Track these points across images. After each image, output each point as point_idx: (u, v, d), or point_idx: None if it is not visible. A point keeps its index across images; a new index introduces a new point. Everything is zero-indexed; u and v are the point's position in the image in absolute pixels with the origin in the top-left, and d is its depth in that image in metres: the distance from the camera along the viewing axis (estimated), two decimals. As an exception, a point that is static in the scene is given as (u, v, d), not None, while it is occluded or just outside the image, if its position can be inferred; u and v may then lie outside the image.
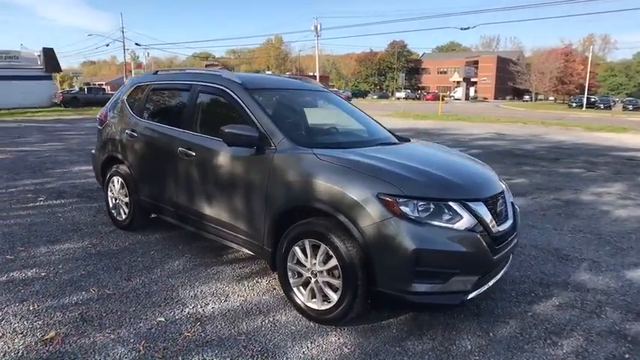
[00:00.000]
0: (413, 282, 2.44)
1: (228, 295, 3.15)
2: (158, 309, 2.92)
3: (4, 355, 2.38)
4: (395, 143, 3.69)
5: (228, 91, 3.42)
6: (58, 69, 35.87)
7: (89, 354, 2.41)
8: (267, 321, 2.81)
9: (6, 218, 4.74)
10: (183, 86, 3.90)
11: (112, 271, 3.47)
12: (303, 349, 2.51)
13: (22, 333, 2.59)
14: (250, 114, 3.21)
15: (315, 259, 2.74)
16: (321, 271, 2.72)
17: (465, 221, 2.52)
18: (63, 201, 5.49)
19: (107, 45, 61.92)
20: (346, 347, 2.54)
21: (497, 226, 2.72)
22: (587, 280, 3.51)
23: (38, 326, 2.67)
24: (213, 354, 2.44)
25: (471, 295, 2.57)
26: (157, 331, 2.66)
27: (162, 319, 2.79)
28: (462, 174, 2.97)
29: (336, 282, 2.65)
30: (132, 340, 2.55)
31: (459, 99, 64.32)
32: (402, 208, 2.46)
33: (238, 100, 3.33)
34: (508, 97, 72.85)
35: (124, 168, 4.29)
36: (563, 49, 62.12)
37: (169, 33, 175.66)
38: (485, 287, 2.68)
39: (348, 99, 47.50)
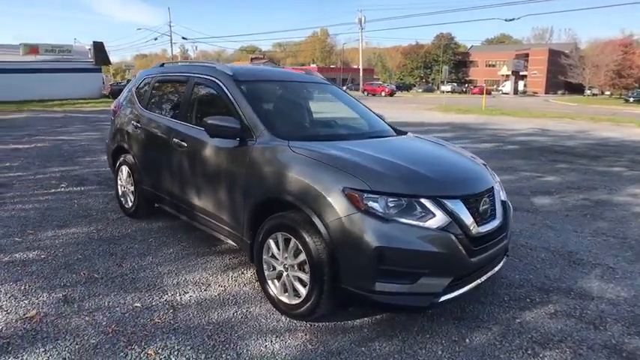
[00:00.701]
0: (376, 281, 2.32)
1: (209, 284, 3.16)
2: (138, 295, 2.98)
3: (-16, 330, 2.51)
4: (386, 137, 3.55)
5: (219, 82, 3.42)
6: (107, 62, 37.78)
7: (61, 334, 2.50)
8: (239, 312, 2.79)
9: (26, 203, 5.04)
10: (182, 78, 3.94)
11: (106, 257, 3.59)
12: (266, 343, 2.47)
13: (6, 310, 2.73)
14: (236, 105, 3.19)
15: (287, 252, 2.69)
16: (292, 265, 2.67)
17: (438, 220, 2.37)
18: (83, 188, 5.76)
19: (155, 39, 65.34)
20: (310, 344, 2.47)
21: (479, 226, 2.54)
22: (595, 288, 3.22)
23: (23, 305, 2.80)
24: (176, 341, 2.46)
25: (443, 298, 2.41)
26: (130, 316, 2.72)
27: (139, 305, 2.85)
28: (441, 170, 2.81)
29: (305, 277, 2.59)
30: (104, 324, 2.62)
31: (507, 93, 61.56)
32: (367, 203, 2.35)
33: (226, 91, 3.31)
34: (560, 92, 68.79)
35: (129, 157, 4.42)
36: (621, 41, 57.52)
37: (217, 27, 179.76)
38: (462, 290, 2.51)
39: (392, 92, 46.25)
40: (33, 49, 30.88)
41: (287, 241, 2.68)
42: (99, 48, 35.59)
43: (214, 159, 3.25)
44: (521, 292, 3.13)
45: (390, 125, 3.94)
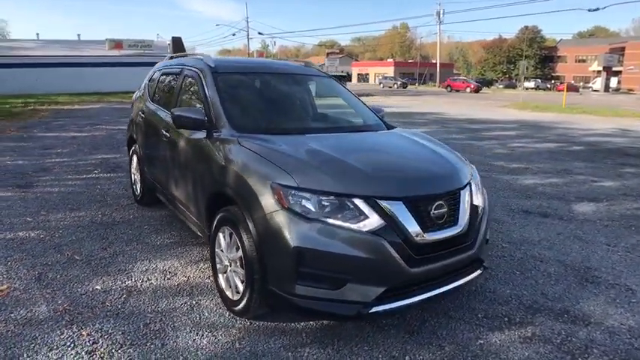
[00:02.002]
0: (296, 283, 2.15)
1: (175, 273, 3.18)
2: (104, 278, 3.08)
3: (-44, 299, 2.74)
4: (362, 131, 3.33)
5: (199, 74, 3.41)
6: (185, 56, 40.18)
7: (18, 307, 2.65)
8: (188, 303, 2.77)
9: (55, 186, 5.48)
10: (177, 70, 4.01)
11: (97, 240, 3.76)
12: (196, 337, 2.41)
13: (-16, 283, 2.97)
14: (207, 97, 3.16)
15: (230, 247, 2.61)
16: (235, 260, 2.58)
17: (371, 222, 2.14)
18: (112, 175, 6.15)
19: (233, 34, 67.72)
20: (239, 343, 2.37)
21: (428, 232, 2.26)
22: (598, 312, 2.74)
23: (0, 279, 3.02)
24: (111, 326, 2.49)
25: (375, 309, 2.17)
26: (86, 297, 2.81)
27: (99, 288, 2.94)
28: (390, 168, 2.56)
29: (242, 273, 2.48)
30: (59, 302, 2.73)
31: (597, 90, 55.68)
32: (291, 200, 2.18)
33: (203, 83, 3.30)
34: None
35: (137, 147, 4.61)
36: None
37: (298, 22, 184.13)
38: (402, 303, 2.25)
39: (478, 89, 43.61)
40: (117, 44, 33.67)
41: (231, 236, 2.60)
42: (177, 43, 37.79)
43: (186, 150, 3.27)
44: (502, 310, 2.75)
45: (381, 120, 3.69)
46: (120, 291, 2.90)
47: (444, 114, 17.96)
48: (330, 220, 2.14)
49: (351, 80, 76.22)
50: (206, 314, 2.65)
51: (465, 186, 2.58)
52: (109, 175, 6.15)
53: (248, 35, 52.74)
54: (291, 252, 2.12)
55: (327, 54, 78.92)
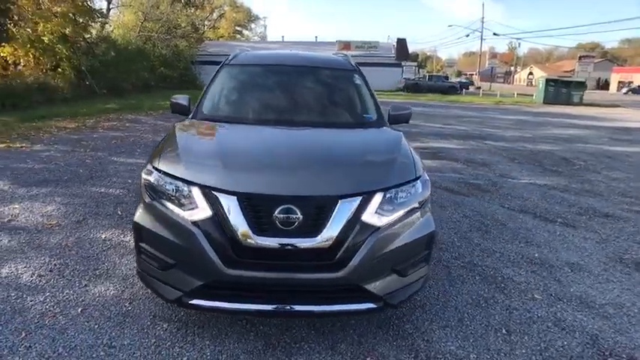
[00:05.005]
0: (138, 257, 2.39)
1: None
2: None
3: None
4: (342, 127, 3.23)
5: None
6: (407, 57, 40.94)
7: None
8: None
9: (97, 163, 6.34)
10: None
11: (95, 216, 4.14)
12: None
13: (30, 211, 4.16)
14: (205, 87, 3.56)
15: None
16: None
17: (198, 212, 2.16)
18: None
19: (467, 35, 64.42)
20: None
21: (260, 235, 2.10)
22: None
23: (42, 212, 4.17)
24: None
25: (194, 302, 2.21)
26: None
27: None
28: (263, 163, 2.44)
29: None
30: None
31: None
32: (145, 177, 2.41)
33: (214, 74, 3.68)
34: None
35: None
36: None
37: (550, 20, 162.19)
38: (223, 305, 2.22)
39: None
40: (345, 45, 36.87)
41: None
42: (401, 44, 39.04)
43: None
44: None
45: (380, 117, 3.37)
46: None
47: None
48: (168, 204, 2.24)
49: (607, 88, 62.92)
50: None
51: (350, 196, 2.19)
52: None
53: (482, 37, 49.59)
54: (133, 226, 2.37)
55: (580, 57, 67.30)
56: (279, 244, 2.12)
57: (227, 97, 3.53)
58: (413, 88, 34.08)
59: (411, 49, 45.17)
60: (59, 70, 15.49)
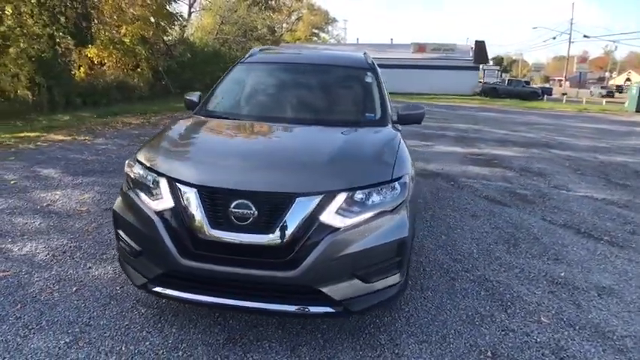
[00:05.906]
0: (118, 241, 2.51)
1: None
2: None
3: None
4: (338, 126, 3.05)
5: None
6: (485, 60, 38.82)
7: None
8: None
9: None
10: None
11: (95, 202, 4.59)
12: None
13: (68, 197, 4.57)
14: (215, 84, 3.70)
15: None
16: None
17: (162, 202, 2.24)
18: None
19: (554, 38, 59.70)
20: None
21: (215, 228, 2.13)
22: None
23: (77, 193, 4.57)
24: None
25: (156, 289, 2.29)
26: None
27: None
28: (236, 158, 2.47)
29: None
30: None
31: None
32: (126, 168, 2.56)
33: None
34: None
35: None
36: None
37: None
38: (180, 295, 2.26)
39: None
40: (421, 47, 35.96)
41: None
42: (480, 47, 37.12)
43: None
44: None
45: (384, 117, 3.26)
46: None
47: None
48: (141, 193, 2.35)
49: None
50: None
51: (308, 195, 2.14)
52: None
53: (570, 39, 45.50)
54: (113, 213, 2.51)
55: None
56: (233, 238, 2.12)
57: (230, 94, 3.61)
58: (491, 92, 32.04)
59: (495, 52, 42.85)
60: (138, 70, 16.85)
